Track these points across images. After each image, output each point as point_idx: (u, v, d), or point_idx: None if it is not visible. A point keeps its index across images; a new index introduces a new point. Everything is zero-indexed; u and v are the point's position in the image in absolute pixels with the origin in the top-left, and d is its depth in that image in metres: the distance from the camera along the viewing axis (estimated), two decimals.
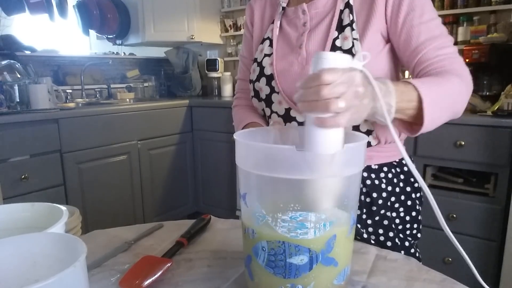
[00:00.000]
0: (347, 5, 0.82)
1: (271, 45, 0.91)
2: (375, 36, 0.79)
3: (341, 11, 0.82)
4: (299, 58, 0.85)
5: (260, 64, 0.91)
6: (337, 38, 0.81)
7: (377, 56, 0.80)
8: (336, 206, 0.51)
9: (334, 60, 0.51)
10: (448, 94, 0.70)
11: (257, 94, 0.92)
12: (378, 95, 0.55)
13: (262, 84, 0.90)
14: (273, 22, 0.93)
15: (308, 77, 0.51)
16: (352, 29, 0.80)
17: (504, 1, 2.06)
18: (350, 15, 0.81)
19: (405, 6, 0.77)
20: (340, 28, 0.82)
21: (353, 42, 0.79)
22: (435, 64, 0.75)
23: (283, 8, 0.91)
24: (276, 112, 0.89)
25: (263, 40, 0.94)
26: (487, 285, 0.58)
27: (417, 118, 0.67)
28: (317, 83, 0.49)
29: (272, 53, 0.89)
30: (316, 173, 0.49)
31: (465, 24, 2.17)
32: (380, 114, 0.59)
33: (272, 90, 0.88)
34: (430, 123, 0.66)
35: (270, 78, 0.88)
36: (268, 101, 0.90)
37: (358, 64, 0.54)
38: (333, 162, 0.49)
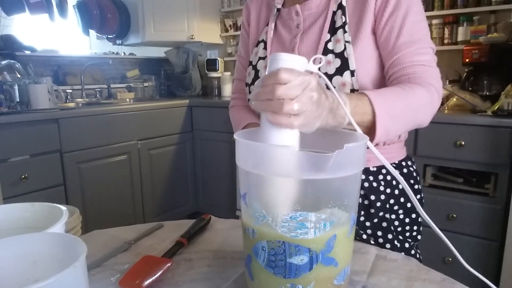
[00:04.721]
0: (340, 7, 0.80)
1: (265, 47, 0.90)
2: (369, 38, 0.78)
3: (334, 13, 0.81)
4: None
5: (255, 67, 0.91)
6: (329, 40, 0.80)
7: (370, 59, 0.79)
8: (336, 206, 0.51)
9: (290, 61, 0.52)
10: (408, 106, 0.69)
11: None
12: (339, 101, 0.55)
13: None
14: (268, 24, 0.92)
15: (264, 76, 0.52)
16: (345, 31, 0.79)
17: (504, 1, 2.06)
18: (343, 16, 0.79)
19: (392, 4, 0.75)
20: (333, 30, 0.80)
21: (345, 45, 0.78)
22: (407, 70, 0.74)
23: (278, 10, 0.90)
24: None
25: (258, 42, 0.93)
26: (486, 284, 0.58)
27: (370, 129, 0.66)
28: (273, 82, 0.50)
29: (266, 56, 0.89)
30: (316, 173, 0.49)
31: (465, 24, 2.17)
32: (334, 125, 0.58)
33: None
34: (384, 135, 0.66)
35: None
36: None
37: (313, 67, 0.54)
38: (332, 162, 0.49)
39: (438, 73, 0.76)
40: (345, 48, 0.78)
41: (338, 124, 0.58)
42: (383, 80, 0.81)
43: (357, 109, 0.63)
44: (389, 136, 0.68)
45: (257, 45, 0.93)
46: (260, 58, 0.90)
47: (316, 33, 0.83)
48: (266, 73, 0.53)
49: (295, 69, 0.51)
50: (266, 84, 0.50)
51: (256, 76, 0.90)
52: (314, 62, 0.54)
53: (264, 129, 0.53)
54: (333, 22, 0.81)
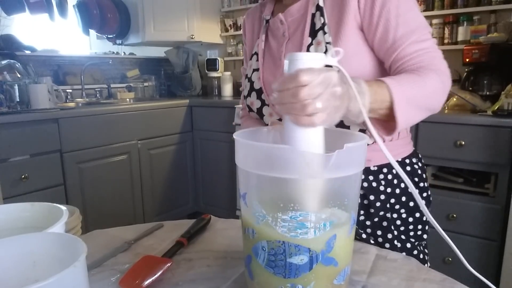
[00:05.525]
0: (318, 8, 0.79)
1: (258, 59, 0.91)
2: (352, 36, 0.76)
3: (313, 15, 0.80)
4: (281, 69, 0.85)
5: (250, 79, 0.92)
6: (311, 44, 0.79)
7: (354, 57, 0.77)
8: (336, 206, 0.51)
9: (308, 60, 0.51)
10: (423, 92, 0.68)
11: (250, 108, 0.94)
12: (356, 95, 0.54)
13: (253, 99, 0.91)
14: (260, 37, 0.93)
15: (284, 79, 0.51)
16: (324, 33, 0.78)
17: (504, 1, 2.06)
18: (321, 18, 0.78)
19: None
20: (313, 33, 0.79)
21: (326, 47, 0.77)
22: (413, 60, 0.73)
23: (267, 21, 0.91)
24: (267, 125, 0.89)
25: (252, 55, 0.95)
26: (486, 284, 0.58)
27: (390, 117, 0.65)
28: (294, 85, 0.49)
29: (259, 68, 0.90)
30: (316, 173, 0.49)
31: (465, 24, 2.17)
32: (353, 114, 0.57)
33: (263, 103, 0.89)
34: (404, 122, 0.65)
35: (259, 92, 0.89)
36: (260, 114, 0.91)
37: (332, 60, 0.53)
38: (332, 162, 0.49)
39: (442, 55, 0.75)
40: (326, 50, 0.77)
41: (357, 113, 0.57)
42: (373, 76, 0.79)
43: (377, 96, 0.62)
44: (409, 123, 0.67)
45: (251, 58, 0.95)
46: (254, 70, 0.92)
47: (299, 39, 0.83)
48: (285, 74, 0.52)
49: (315, 68, 0.50)
50: (287, 88, 0.49)
51: (251, 88, 0.91)
52: (332, 55, 0.53)
53: (288, 131, 0.52)
54: (313, 24, 0.80)
